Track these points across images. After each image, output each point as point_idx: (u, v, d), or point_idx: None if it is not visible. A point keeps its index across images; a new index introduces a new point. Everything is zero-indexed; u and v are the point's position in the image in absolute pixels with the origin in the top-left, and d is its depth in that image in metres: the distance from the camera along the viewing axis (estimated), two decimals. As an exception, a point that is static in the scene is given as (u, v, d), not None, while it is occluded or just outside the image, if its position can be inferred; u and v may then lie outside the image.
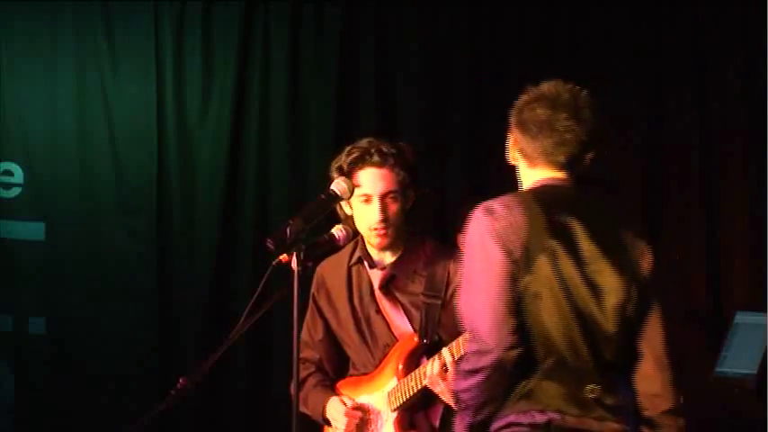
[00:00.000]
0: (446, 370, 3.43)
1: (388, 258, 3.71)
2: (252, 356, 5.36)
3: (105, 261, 5.33)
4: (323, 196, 3.03)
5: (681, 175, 5.47)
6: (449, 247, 3.57)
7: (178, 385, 2.86)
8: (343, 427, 3.68)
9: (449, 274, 3.62)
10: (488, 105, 5.51)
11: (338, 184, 3.10)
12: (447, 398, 3.44)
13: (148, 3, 5.40)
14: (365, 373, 3.75)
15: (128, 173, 5.38)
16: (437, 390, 3.48)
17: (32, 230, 5.32)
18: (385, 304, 3.70)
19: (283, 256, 3.02)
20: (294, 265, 2.89)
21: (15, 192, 5.34)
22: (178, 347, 5.35)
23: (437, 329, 3.60)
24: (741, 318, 4.89)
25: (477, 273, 2.83)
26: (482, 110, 5.50)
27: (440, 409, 3.59)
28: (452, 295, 3.52)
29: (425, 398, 3.58)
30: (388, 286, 3.70)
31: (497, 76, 5.53)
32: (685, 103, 5.49)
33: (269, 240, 2.94)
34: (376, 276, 3.73)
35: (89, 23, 5.37)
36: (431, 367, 3.47)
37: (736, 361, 4.77)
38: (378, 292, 3.71)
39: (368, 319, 3.72)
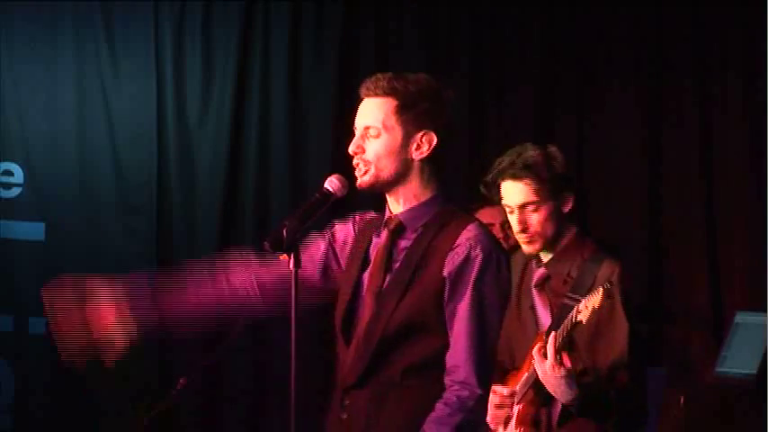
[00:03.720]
0: (560, 361, 3.47)
1: (544, 257, 3.73)
2: (252, 356, 5.36)
3: (105, 261, 5.31)
4: (317, 195, 3.02)
5: (681, 176, 5.47)
6: (605, 250, 3.66)
7: (178, 385, 2.85)
8: (489, 418, 3.65)
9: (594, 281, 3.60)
10: (489, 105, 5.52)
11: (332, 182, 3.08)
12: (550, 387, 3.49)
13: (148, 3, 5.40)
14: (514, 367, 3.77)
15: (127, 172, 5.37)
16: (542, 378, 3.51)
17: (32, 230, 5.32)
18: (537, 301, 3.73)
19: (283, 256, 3.01)
20: (291, 265, 2.88)
21: (15, 192, 5.34)
22: (178, 347, 5.34)
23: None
24: (741, 318, 4.89)
25: None
26: (482, 109, 5.50)
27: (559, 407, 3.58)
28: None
29: (547, 395, 3.58)
30: (543, 285, 3.73)
31: (497, 76, 5.53)
32: (685, 104, 5.49)
33: (265, 242, 2.94)
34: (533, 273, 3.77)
35: (89, 23, 5.37)
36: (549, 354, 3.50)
37: (736, 361, 4.77)
38: (533, 289, 3.74)
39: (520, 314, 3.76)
